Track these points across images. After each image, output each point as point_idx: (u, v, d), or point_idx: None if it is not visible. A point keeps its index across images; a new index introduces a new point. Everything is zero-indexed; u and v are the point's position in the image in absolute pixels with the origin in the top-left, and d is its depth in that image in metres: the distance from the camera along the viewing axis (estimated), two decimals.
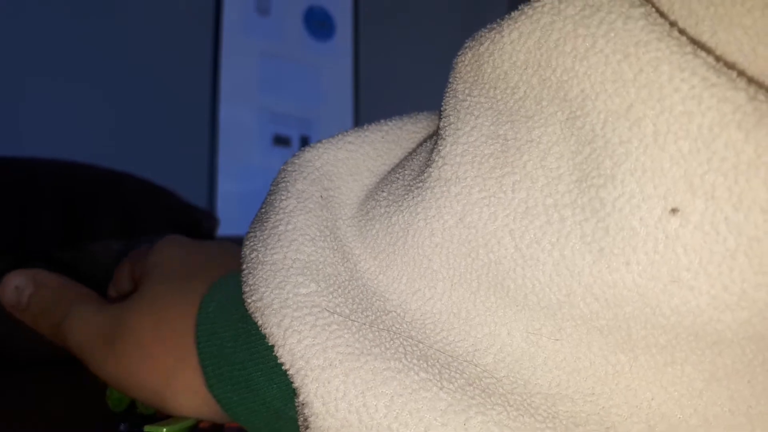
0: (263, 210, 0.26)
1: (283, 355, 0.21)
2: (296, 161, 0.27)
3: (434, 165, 0.22)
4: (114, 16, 1.51)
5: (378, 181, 0.26)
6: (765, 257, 0.17)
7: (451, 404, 0.20)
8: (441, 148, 0.23)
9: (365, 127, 0.29)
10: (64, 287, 0.32)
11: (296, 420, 0.24)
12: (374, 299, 0.23)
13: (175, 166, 1.41)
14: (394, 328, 0.22)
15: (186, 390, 0.27)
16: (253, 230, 0.26)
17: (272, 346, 0.23)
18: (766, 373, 0.19)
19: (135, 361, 0.27)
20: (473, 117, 0.22)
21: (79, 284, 0.32)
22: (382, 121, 0.29)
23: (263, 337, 0.24)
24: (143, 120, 1.54)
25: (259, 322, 0.22)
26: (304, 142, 1.81)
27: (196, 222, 0.80)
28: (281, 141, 1.78)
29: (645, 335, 0.19)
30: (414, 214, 0.22)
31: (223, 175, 1.67)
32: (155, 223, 0.77)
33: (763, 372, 0.19)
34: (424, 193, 0.22)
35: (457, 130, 0.22)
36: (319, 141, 0.28)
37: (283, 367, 0.21)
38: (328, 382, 0.20)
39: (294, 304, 0.22)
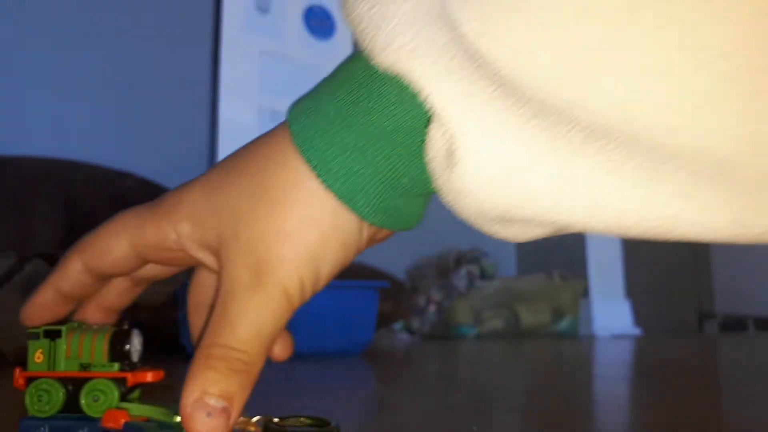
0: None
1: (439, 94, 0.23)
2: None
3: None
4: (113, 16, 1.51)
5: None
6: None
7: (585, 138, 0.22)
8: None
9: None
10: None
11: (407, 187, 0.27)
12: (482, 59, 0.24)
13: (175, 165, 1.41)
14: (513, 82, 0.23)
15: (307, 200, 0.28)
16: None
17: (386, 116, 0.25)
18: None
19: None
20: None
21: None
22: None
23: (376, 110, 0.26)
24: (143, 119, 1.54)
25: (404, 68, 0.23)
26: None
27: None
28: None
29: (741, 65, 0.21)
30: None
31: None
32: None
33: None
34: None
35: None
36: None
37: (435, 107, 0.23)
38: (494, 114, 0.22)
39: (440, 49, 0.23)
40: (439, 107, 0.23)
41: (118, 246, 0.31)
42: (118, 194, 0.77)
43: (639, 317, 2.08)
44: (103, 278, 0.32)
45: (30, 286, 0.70)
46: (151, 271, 0.33)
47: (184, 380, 0.29)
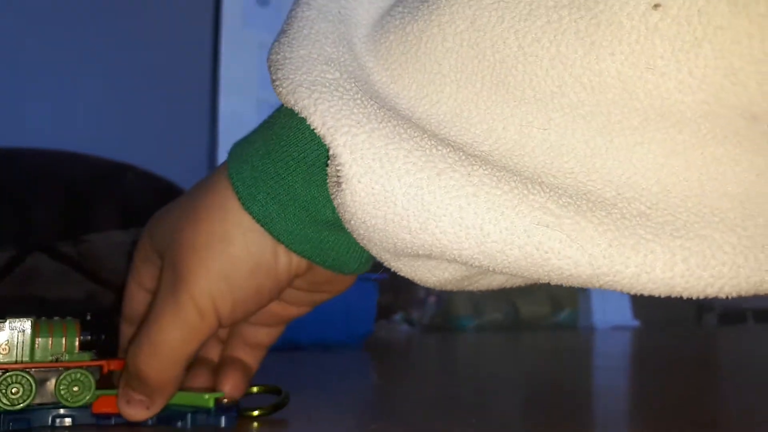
0: (286, 23, 0.29)
1: (315, 120, 0.25)
2: None
3: None
4: (113, 9, 1.51)
5: (390, 4, 0.29)
6: (725, 44, 0.20)
7: (457, 160, 0.24)
8: None
9: None
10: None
11: (331, 221, 0.28)
12: (386, 102, 0.26)
13: (176, 159, 1.41)
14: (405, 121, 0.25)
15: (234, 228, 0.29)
16: (277, 40, 0.29)
17: (304, 148, 0.27)
18: (716, 145, 0.22)
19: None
20: None
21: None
22: None
23: (295, 142, 0.28)
24: (143, 113, 1.54)
25: (291, 102, 0.25)
26: None
27: None
28: None
29: (621, 119, 0.23)
30: (428, 22, 0.25)
31: None
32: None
33: (713, 144, 0.22)
34: (438, 1, 0.25)
35: None
36: None
37: (315, 131, 0.25)
38: (356, 136, 0.24)
39: (323, 82, 0.25)
40: (319, 129, 0.25)
41: (136, 292, 0.35)
42: (118, 187, 0.77)
43: (638, 309, 2.08)
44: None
45: (30, 279, 0.70)
46: None
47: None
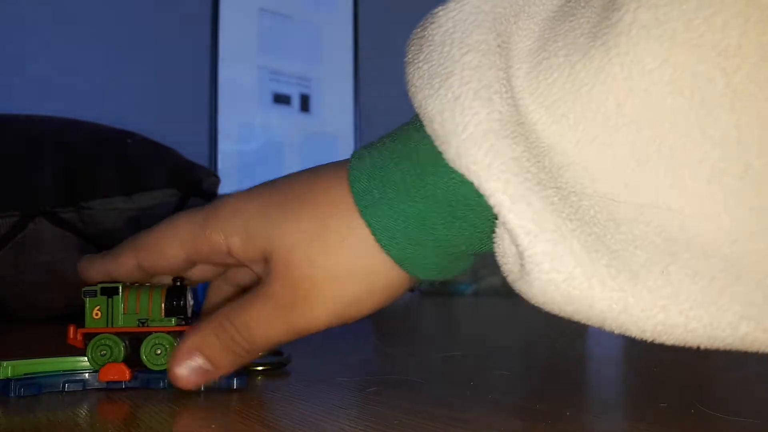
0: (438, 62, 0.26)
1: (512, 219, 0.24)
2: (461, 6, 0.27)
3: (624, 8, 0.22)
4: None
5: (536, 26, 0.26)
6: None
7: (649, 257, 0.23)
8: None
9: None
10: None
11: (463, 251, 0.28)
12: (548, 151, 0.24)
13: (176, 126, 1.41)
14: (576, 189, 0.24)
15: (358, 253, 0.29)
16: (430, 86, 0.26)
17: (451, 192, 0.26)
18: None
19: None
20: None
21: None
22: None
23: (442, 185, 0.27)
24: (144, 79, 1.53)
25: (477, 183, 0.24)
26: (304, 100, 1.81)
27: (198, 180, 0.81)
28: (281, 99, 1.78)
29: None
30: (606, 61, 0.23)
31: (223, 134, 1.67)
32: (157, 180, 0.77)
33: None
34: (617, 38, 0.22)
35: None
36: None
37: (506, 226, 0.24)
38: (557, 244, 0.23)
39: (512, 169, 0.24)
40: (510, 224, 0.24)
41: (173, 253, 0.33)
42: (119, 153, 0.77)
43: None
44: (154, 275, 0.35)
45: (33, 245, 0.71)
46: (200, 272, 0.36)
47: (189, 329, 0.31)
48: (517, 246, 0.24)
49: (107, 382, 0.33)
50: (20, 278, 0.71)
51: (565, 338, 0.57)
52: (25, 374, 0.33)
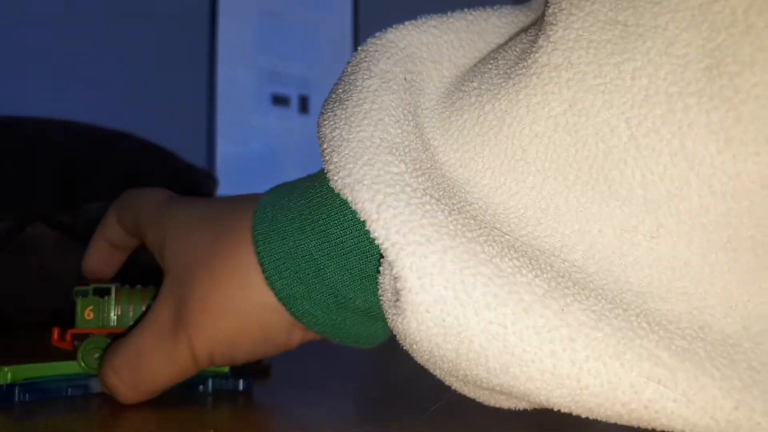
0: (342, 89, 0.26)
1: (377, 229, 0.21)
2: (377, 41, 0.26)
3: (542, 51, 0.21)
4: None
5: (460, 73, 0.26)
6: None
7: (547, 291, 0.19)
8: (550, 33, 0.21)
9: (448, 14, 0.27)
10: None
11: (360, 308, 0.26)
12: (456, 190, 0.22)
13: (174, 127, 1.40)
14: (479, 218, 0.22)
15: (247, 295, 0.27)
16: (331, 109, 0.25)
17: (344, 233, 0.24)
18: None
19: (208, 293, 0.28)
20: (588, 3, 0.21)
21: None
22: (465, 9, 0.27)
23: (335, 223, 0.25)
24: (141, 80, 1.53)
25: (349, 198, 0.22)
26: (303, 101, 1.80)
27: (196, 182, 0.80)
28: (280, 101, 1.77)
29: (753, 234, 0.19)
30: (514, 102, 0.22)
31: (221, 136, 1.67)
32: (155, 183, 0.77)
33: None
34: (528, 79, 0.21)
35: (570, 15, 0.21)
36: (402, 23, 0.27)
37: (376, 242, 0.21)
38: (425, 257, 0.20)
39: (386, 181, 0.22)
40: (378, 239, 0.21)
41: (130, 218, 0.33)
42: (117, 155, 0.77)
43: None
44: (134, 236, 0.33)
45: (31, 249, 0.71)
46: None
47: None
48: (390, 268, 0.21)
49: None
50: (17, 282, 0.71)
51: None
52: (25, 379, 0.32)
